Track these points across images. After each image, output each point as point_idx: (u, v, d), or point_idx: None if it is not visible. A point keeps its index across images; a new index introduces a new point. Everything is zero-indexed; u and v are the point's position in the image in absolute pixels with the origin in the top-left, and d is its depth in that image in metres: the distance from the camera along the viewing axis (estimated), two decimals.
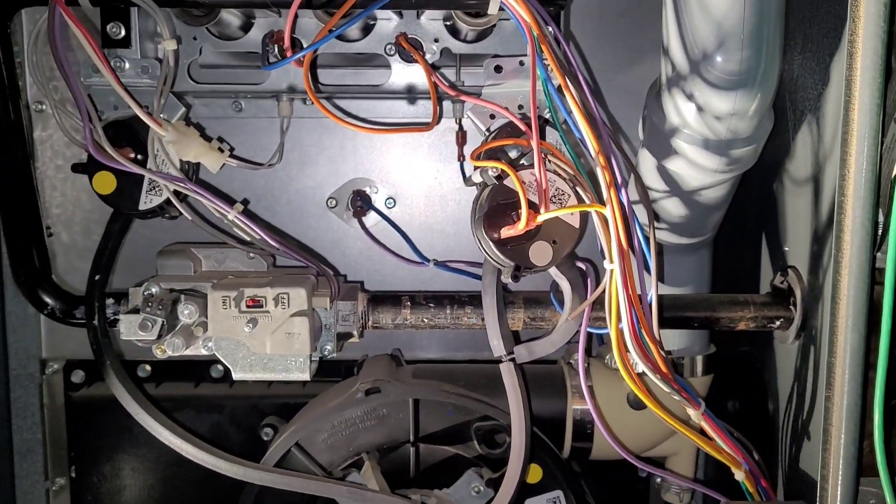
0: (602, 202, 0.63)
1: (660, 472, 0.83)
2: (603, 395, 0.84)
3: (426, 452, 0.86)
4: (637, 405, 0.82)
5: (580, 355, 0.71)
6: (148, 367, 0.97)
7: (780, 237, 0.80)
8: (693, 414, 0.71)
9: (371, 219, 0.94)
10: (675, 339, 0.83)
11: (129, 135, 0.73)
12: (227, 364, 0.71)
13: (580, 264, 0.73)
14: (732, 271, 0.93)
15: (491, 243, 0.66)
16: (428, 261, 0.92)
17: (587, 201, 0.67)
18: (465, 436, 0.85)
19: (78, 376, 0.97)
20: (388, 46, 0.77)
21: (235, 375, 0.72)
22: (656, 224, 0.77)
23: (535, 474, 0.84)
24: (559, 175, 0.68)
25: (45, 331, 0.99)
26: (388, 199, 0.94)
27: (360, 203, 0.93)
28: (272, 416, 0.93)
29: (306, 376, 0.72)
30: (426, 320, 0.77)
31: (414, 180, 0.95)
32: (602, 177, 0.63)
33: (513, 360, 0.72)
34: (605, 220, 0.64)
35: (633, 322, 0.66)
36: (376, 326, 0.77)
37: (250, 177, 0.91)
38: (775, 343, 0.83)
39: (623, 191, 0.63)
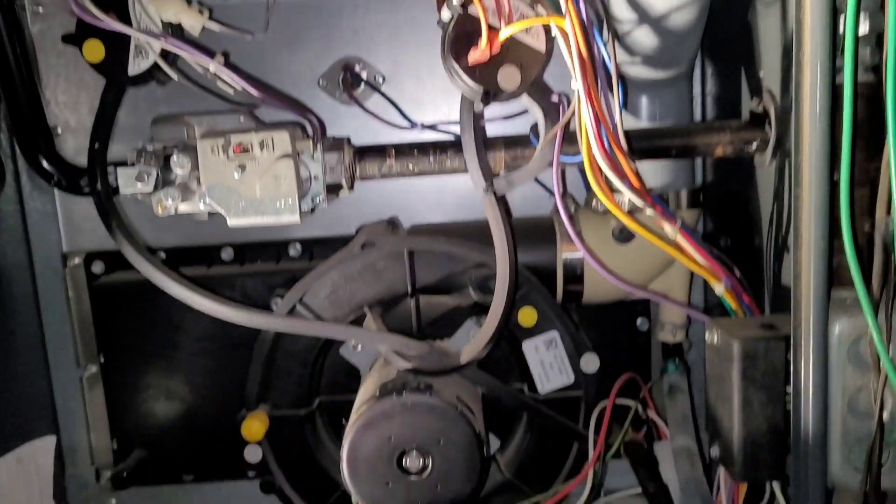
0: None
1: (651, 294, 0.85)
2: (591, 238, 0.86)
3: (426, 306, 0.90)
4: (623, 236, 0.84)
5: (555, 179, 0.73)
6: (162, 255, 1.02)
7: (756, 64, 0.81)
8: (669, 230, 0.73)
9: (362, 97, 0.97)
10: (657, 175, 0.85)
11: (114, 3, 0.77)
12: (221, 210, 0.75)
13: (554, 96, 0.75)
14: (719, 110, 0.94)
15: (460, 69, 0.69)
16: (415, 124, 0.95)
17: None
18: (462, 286, 0.88)
19: (98, 266, 1.02)
20: None
21: (230, 222, 0.76)
22: (629, 58, 0.79)
23: (530, 317, 0.88)
24: None
25: (63, 226, 1.04)
26: (377, 75, 0.97)
27: (351, 78, 0.96)
28: (281, 288, 0.97)
29: (296, 217, 0.75)
30: (411, 166, 0.80)
31: (404, 57, 0.97)
32: None
33: (493, 191, 0.75)
34: (565, 35, 0.66)
35: (600, 138, 0.68)
36: (364, 177, 0.81)
37: (240, 59, 0.95)
38: (757, 175, 0.85)
39: (581, 1, 0.65)
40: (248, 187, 0.74)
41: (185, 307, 0.79)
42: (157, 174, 0.73)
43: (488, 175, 0.75)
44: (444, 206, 1.03)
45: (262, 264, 1.01)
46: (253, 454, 0.92)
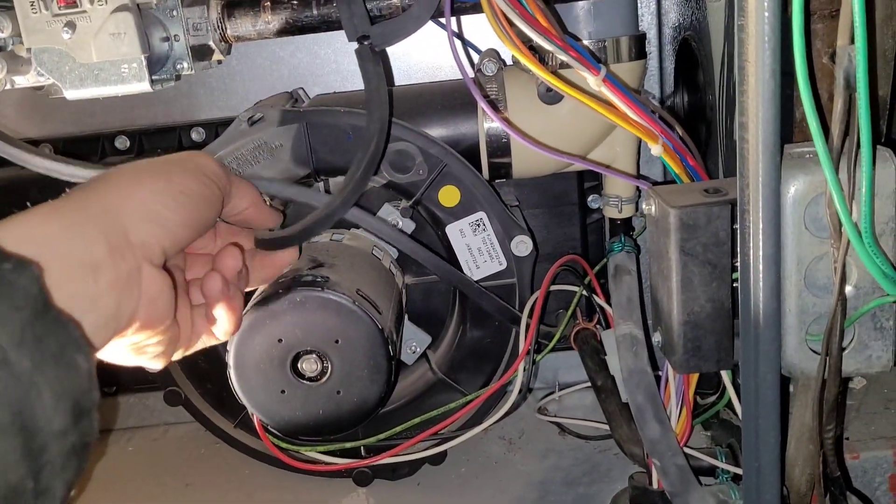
0: None
1: (589, 164, 0.73)
2: (517, 102, 0.74)
3: (335, 189, 0.79)
4: (550, 97, 0.72)
5: (447, 29, 0.60)
6: (49, 147, 0.90)
7: None
8: (591, 80, 0.61)
9: None
10: (590, 20, 0.71)
11: None
12: (55, 81, 0.63)
13: None
14: None
15: None
16: None
17: None
18: None
19: None
20: None
21: (68, 94, 0.64)
22: None
23: (452, 196, 0.76)
24: None
25: None
26: None
27: None
28: None
29: (145, 85, 0.63)
30: (291, 22, 0.67)
31: None
32: None
33: (370, 44, 0.62)
34: None
35: None
36: (237, 37, 0.68)
37: None
38: (709, 15, 0.71)
39: None
40: (83, 51, 0.62)
41: None
42: None
43: (364, 23, 0.62)
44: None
45: (163, 153, 0.89)
46: None
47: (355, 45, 0.67)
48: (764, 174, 0.53)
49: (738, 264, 0.56)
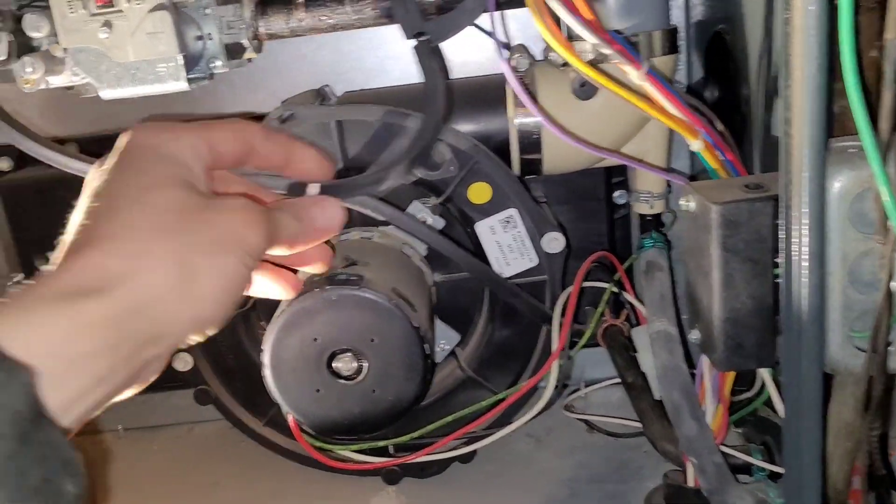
0: None
1: (621, 158, 0.73)
2: (549, 97, 0.74)
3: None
4: (584, 92, 0.72)
5: (492, 20, 0.59)
6: (75, 146, 0.90)
7: None
8: (634, 75, 0.60)
9: None
10: (620, 14, 0.71)
11: None
12: (91, 81, 0.62)
13: None
14: None
15: None
16: None
17: None
18: None
19: (6, 163, 0.90)
20: None
21: (104, 94, 0.63)
22: None
23: (483, 193, 0.76)
24: None
25: None
26: None
27: None
28: None
29: (182, 84, 0.63)
30: (323, 19, 0.67)
31: None
32: None
33: (426, 39, 0.62)
34: None
35: None
36: (270, 35, 0.67)
37: None
38: (744, 9, 0.71)
39: None
40: (120, 50, 0.61)
41: None
42: (11, 39, 0.60)
43: (419, 20, 0.62)
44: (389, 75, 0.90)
45: None
46: (182, 362, 0.82)
47: (410, 42, 0.65)
48: (809, 169, 0.53)
49: (781, 261, 0.56)
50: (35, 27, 0.62)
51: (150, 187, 0.40)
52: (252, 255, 0.42)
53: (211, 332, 0.43)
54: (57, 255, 0.39)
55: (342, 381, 0.66)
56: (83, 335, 0.36)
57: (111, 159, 0.42)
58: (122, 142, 0.43)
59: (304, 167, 0.50)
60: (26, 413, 0.32)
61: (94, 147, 0.88)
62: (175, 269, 0.39)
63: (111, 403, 0.40)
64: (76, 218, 0.41)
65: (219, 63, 0.66)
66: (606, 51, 0.59)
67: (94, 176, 0.42)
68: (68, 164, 0.63)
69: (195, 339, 0.43)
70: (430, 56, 0.63)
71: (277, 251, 0.47)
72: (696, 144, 0.63)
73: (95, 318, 0.36)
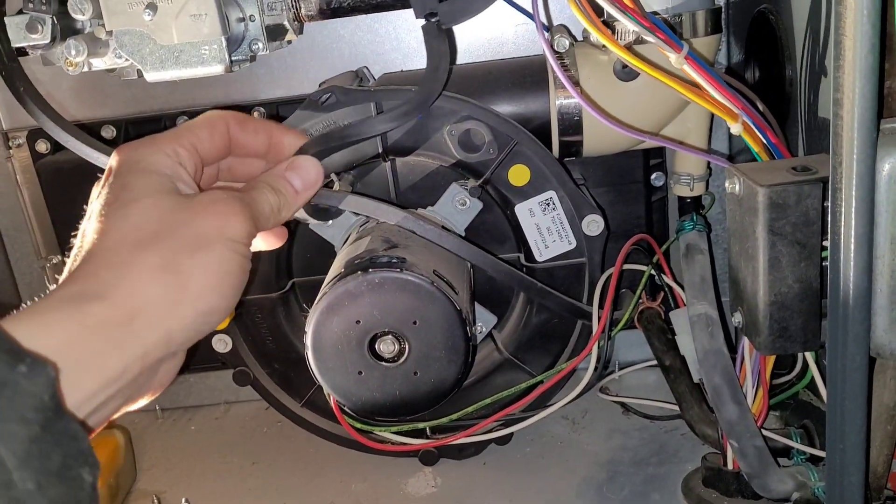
0: None
1: (661, 140, 0.72)
2: (590, 78, 0.73)
3: (403, 169, 0.79)
4: (626, 73, 0.71)
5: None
6: (112, 129, 0.90)
7: None
8: (674, 58, 0.60)
9: None
10: None
11: None
12: (135, 63, 0.63)
13: None
14: None
15: None
16: None
17: None
18: (441, 145, 0.76)
19: (43, 145, 0.91)
20: None
21: (148, 76, 0.64)
22: None
23: (522, 175, 0.76)
24: None
25: (3, 103, 0.93)
26: None
27: None
28: None
29: (225, 65, 0.63)
30: (365, 0, 0.66)
31: None
32: None
33: (437, 21, 0.62)
34: None
35: None
36: (310, 17, 0.67)
37: None
38: None
39: None
40: (164, 32, 0.61)
41: None
42: (54, 21, 0.61)
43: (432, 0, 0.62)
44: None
45: None
46: (222, 343, 0.83)
47: (421, 21, 0.66)
48: (859, 152, 0.52)
49: (828, 243, 0.55)
50: (80, 9, 0.62)
51: (131, 201, 0.43)
52: (239, 240, 0.45)
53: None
54: (68, 264, 0.43)
55: (384, 363, 0.67)
56: (90, 335, 0.38)
57: (103, 179, 0.46)
58: (111, 162, 0.47)
59: (285, 150, 0.54)
60: (49, 403, 0.34)
61: (133, 128, 0.90)
62: (161, 273, 0.41)
63: (131, 408, 0.43)
64: (83, 229, 0.44)
65: (260, 45, 0.66)
66: (649, 37, 0.58)
67: (94, 195, 0.46)
68: (80, 149, 0.64)
69: (207, 329, 0.44)
70: (437, 37, 0.64)
71: (273, 224, 0.50)
72: (735, 128, 0.62)
73: (99, 320, 0.39)
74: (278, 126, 0.54)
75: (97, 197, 0.45)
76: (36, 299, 0.40)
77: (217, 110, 0.52)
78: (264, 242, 0.55)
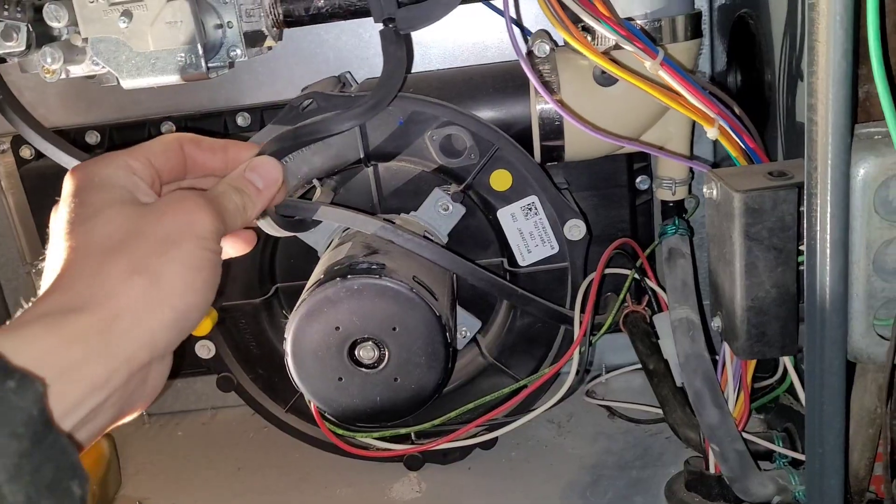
0: None
1: (642, 145, 0.72)
2: (571, 83, 0.73)
3: (386, 174, 0.79)
4: (604, 79, 0.71)
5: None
6: (97, 135, 0.90)
7: None
8: (649, 65, 0.60)
9: None
10: (646, 0, 0.70)
11: None
12: (111, 70, 0.63)
13: None
14: None
15: None
16: None
17: None
18: (423, 150, 0.76)
19: (27, 152, 0.91)
20: None
21: (125, 84, 0.63)
22: None
23: (504, 180, 0.76)
24: None
25: None
26: None
27: None
28: None
29: (201, 73, 0.63)
30: (344, 6, 0.67)
31: None
32: None
33: (395, 26, 0.62)
34: None
35: None
36: (289, 20, 0.67)
37: None
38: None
39: None
40: (140, 40, 0.61)
41: None
42: (29, 29, 0.61)
43: (391, 5, 0.62)
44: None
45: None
46: (205, 349, 0.83)
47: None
48: (833, 156, 0.52)
49: (804, 248, 0.55)
50: (55, 17, 0.62)
51: (92, 215, 0.44)
52: (207, 237, 0.45)
53: (200, 317, 0.45)
54: (40, 283, 0.43)
55: (364, 369, 0.67)
56: (71, 344, 0.38)
57: (61, 201, 0.46)
58: (66, 184, 0.47)
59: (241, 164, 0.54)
60: (38, 417, 0.34)
61: (117, 134, 0.90)
62: (133, 276, 0.42)
63: (125, 419, 0.43)
64: (48, 251, 0.44)
65: (238, 51, 0.66)
66: (625, 45, 0.58)
67: (54, 216, 0.46)
68: (58, 156, 0.64)
69: (188, 327, 0.45)
70: (394, 42, 0.64)
71: (241, 224, 0.50)
72: (711, 132, 0.62)
73: (79, 330, 0.39)
74: (235, 143, 0.54)
75: (57, 219, 0.45)
76: (19, 311, 0.40)
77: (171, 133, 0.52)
78: (233, 248, 0.55)
